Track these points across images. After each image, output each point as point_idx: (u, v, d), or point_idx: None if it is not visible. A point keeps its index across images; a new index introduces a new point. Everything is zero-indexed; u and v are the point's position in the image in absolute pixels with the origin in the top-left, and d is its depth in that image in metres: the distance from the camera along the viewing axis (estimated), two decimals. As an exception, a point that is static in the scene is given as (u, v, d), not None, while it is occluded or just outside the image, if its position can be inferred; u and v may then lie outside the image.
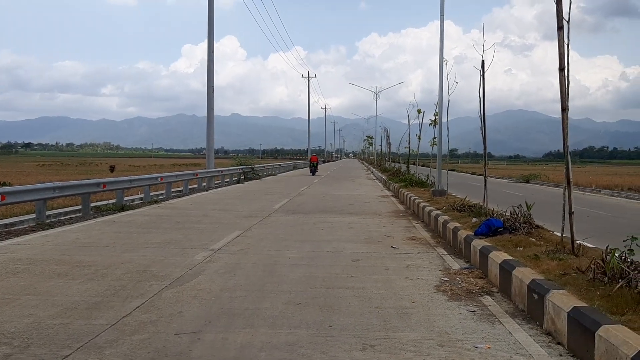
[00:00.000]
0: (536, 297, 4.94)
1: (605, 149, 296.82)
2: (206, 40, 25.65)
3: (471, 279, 6.69)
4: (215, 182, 25.38)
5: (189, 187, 21.66)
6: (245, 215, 13.08)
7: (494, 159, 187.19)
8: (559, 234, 6.89)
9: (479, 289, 6.19)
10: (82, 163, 71.56)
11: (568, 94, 6.26)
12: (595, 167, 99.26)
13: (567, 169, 6.35)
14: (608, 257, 5.00)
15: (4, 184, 20.59)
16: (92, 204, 13.58)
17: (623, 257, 4.96)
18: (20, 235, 9.65)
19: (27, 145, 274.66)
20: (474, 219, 9.59)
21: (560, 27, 6.21)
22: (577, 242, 6.37)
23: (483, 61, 10.33)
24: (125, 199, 15.45)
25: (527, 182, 38.77)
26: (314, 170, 40.71)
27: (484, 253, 6.89)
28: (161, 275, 6.53)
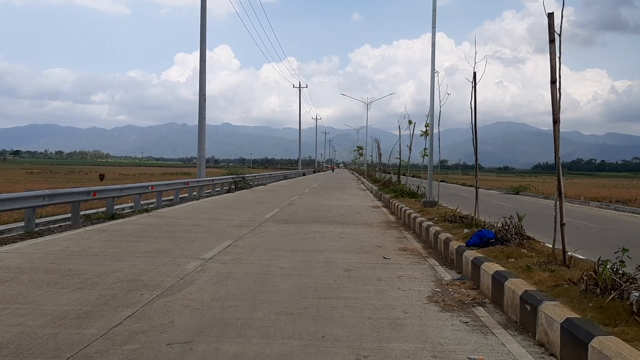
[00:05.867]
0: (529, 309, 4.95)
1: (593, 161, 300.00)
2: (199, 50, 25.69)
3: (463, 290, 6.70)
4: (206, 191, 25.29)
5: (180, 196, 21.57)
6: (237, 225, 13.03)
7: (483, 170, 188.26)
8: (550, 246, 6.94)
9: (471, 300, 6.20)
10: (72, 171, 71.09)
11: (560, 106, 6.32)
12: (583, 180, 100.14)
13: (559, 180, 6.40)
14: (600, 269, 5.02)
15: (-9, 192, 20.37)
16: (81, 213, 13.46)
17: (615, 269, 4.99)
18: (9, 243, 9.52)
19: (16, 153, 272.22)
20: (466, 230, 9.62)
21: (552, 40, 6.29)
22: (568, 253, 6.40)
23: (475, 73, 10.43)
24: (115, 207, 15.34)
25: (517, 193, 39.06)
26: (332, 170, 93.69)
27: (476, 264, 6.91)
28: (152, 285, 6.47)
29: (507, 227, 8.61)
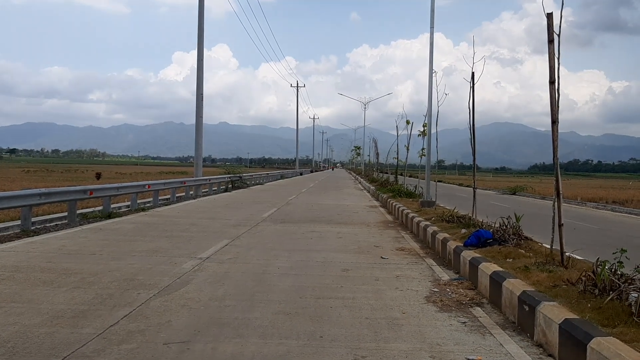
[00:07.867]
0: (527, 309, 4.94)
1: (590, 162, 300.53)
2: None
3: (461, 290, 6.69)
4: (203, 190, 25.23)
5: (177, 195, 21.51)
6: (234, 224, 13.00)
7: (480, 170, 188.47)
8: (548, 246, 6.93)
9: (469, 300, 6.19)
10: (68, 170, 70.83)
11: (558, 107, 6.32)
12: (580, 180, 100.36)
13: (557, 181, 6.39)
14: (598, 269, 5.02)
15: (-12, 190, 20.27)
16: (78, 211, 13.40)
17: (613, 270, 4.99)
18: (5, 242, 9.48)
19: (12, 151, 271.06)
20: (463, 230, 9.61)
21: (550, 41, 6.28)
22: (566, 254, 6.40)
23: (473, 73, 10.42)
24: (112, 206, 15.28)
25: (514, 194, 39.11)
26: (332, 169, 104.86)
27: (474, 264, 6.90)
28: (149, 284, 6.44)
29: (504, 227, 8.61)
